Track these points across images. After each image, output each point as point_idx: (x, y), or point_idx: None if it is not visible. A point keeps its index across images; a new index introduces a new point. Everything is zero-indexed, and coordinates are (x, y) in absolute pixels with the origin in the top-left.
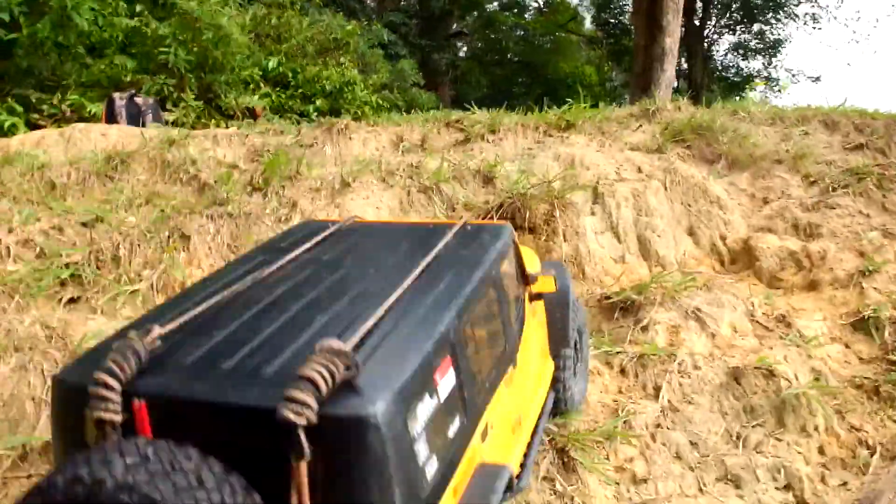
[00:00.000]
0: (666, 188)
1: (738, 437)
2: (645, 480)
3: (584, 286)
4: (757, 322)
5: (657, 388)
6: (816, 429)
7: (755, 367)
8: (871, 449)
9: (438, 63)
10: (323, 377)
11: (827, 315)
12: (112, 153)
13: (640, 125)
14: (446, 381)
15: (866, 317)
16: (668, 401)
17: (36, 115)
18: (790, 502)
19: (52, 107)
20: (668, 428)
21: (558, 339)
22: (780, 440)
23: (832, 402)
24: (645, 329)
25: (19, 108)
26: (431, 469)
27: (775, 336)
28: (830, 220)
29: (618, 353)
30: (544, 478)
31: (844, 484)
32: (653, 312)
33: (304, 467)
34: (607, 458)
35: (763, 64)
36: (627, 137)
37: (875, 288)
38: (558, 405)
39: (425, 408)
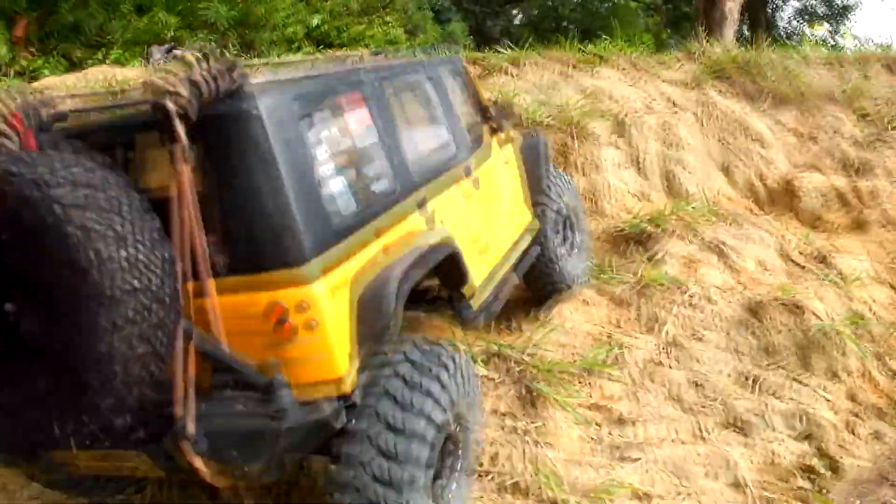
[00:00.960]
0: (700, 122)
1: (752, 380)
2: (631, 422)
3: (600, 224)
4: (790, 260)
5: (659, 322)
6: (849, 372)
7: (779, 302)
8: None
9: (492, 29)
10: (205, 79)
11: (874, 256)
12: None
13: (682, 65)
14: (358, 119)
15: None
16: (671, 335)
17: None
18: (808, 453)
19: (95, 62)
20: (667, 366)
21: (535, 189)
22: (802, 384)
23: (871, 346)
24: (656, 262)
25: (64, 64)
26: (343, 199)
27: (811, 275)
28: (886, 159)
29: (615, 280)
30: (503, 413)
31: (877, 435)
32: (667, 244)
33: (181, 152)
34: (590, 396)
35: (829, 31)
36: (665, 74)
37: None
38: (549, 277)
39: (327, 127)
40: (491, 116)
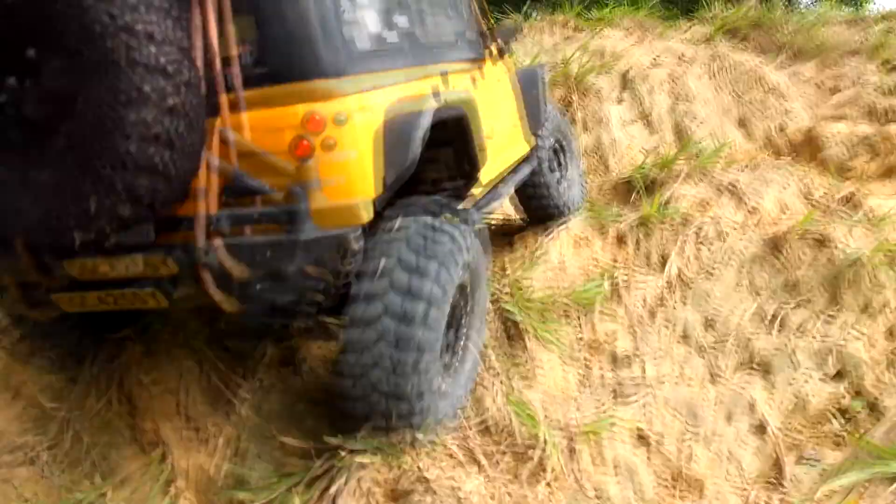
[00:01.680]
0: (712, 74)
1: (772, 318)
2: (628, 360)
3: (606, 180)
4: (814, 202)
5: (664, 259)
6: (886, 306)
7: (802, 235)
8: None
9: None
10: None
11: None
12: None
13: (692, 25)
14: None
15: None
16: (679, 273)
17: None
18: (840, 394)
19: None
20: (673, 305)
21: (533, 115)
22: (832, 320)
23: None
24: (664, 205)
25: None
26: (381, 31)
27: (837, 216)
28: None
29: (613, 219)
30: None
31: None
32: (675, 188)
33: None
34: (580, 333)
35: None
36: (673, 34)
37: None
38: (544, 202)
39: None
40: (493, 37)
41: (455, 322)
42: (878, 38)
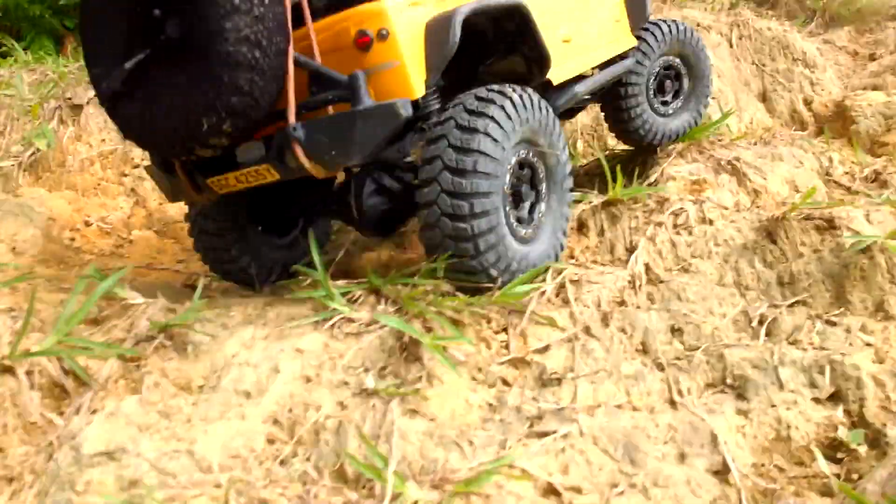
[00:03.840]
0: (730, 43)
1: (758, 322)
2: (557, 380)
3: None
4: (833, 181)
5: (633, 250)
6: None
7: (804, 217)
8: None
9: None
10: None
11: None
12: None
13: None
14: None
15: None
16: (647, 267)
17: None
18: (835, 421)
19: None
20: (635, 305)
21: (635, 9)
22: (833, 325)
23: None
24: (650, 185)
25: None
26: None
27: (861, 197)
28: None
29: (576, 202)
30: (366, 369)
31: None
32: (666, 165)
33: None
34: (504, 346)
35: None
36: (693, 3)
37: None
38: (624, 122)
39: None
40: None
41: (527, 182)
42: None
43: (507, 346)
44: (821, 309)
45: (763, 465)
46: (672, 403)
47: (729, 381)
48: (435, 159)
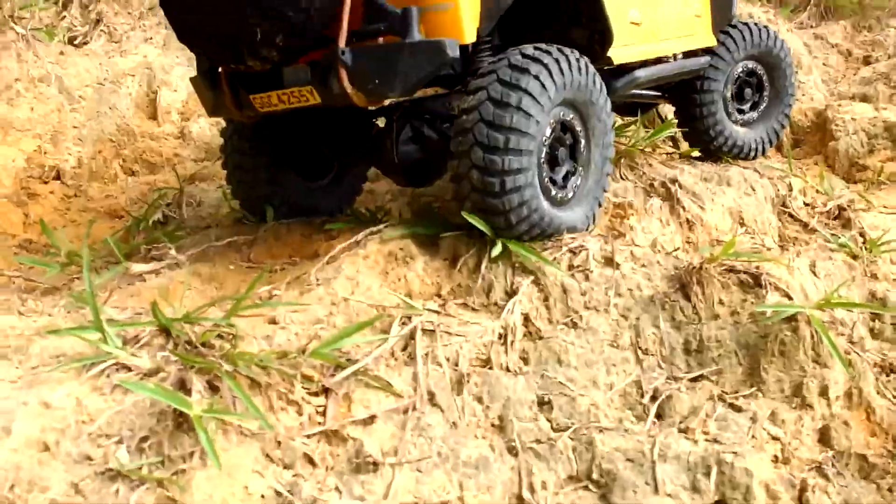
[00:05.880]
0: None
1: (651, 399)
2: (373, 467)
3: None
4: (788, 214)
5: (514, 294)
6: (825, 392)
7: (726, 269)
8: None
9: None
10: None
11: None
12: None
13: None
14: None
15: None
16: (525, 318)
17: None
18: None
19: None
20: (500, 367)
21: (720, 15)
22: (738, 409)
23: (876, 350)
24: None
25: None
26: None
27: (815, 237)
28: None
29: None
30: (138, 448)
31: None
32: None
33: None
34: (318, 415)
35: None
36: None
37: None
38: (693, 123)
39: None
40: None
41: (566, 145)
42: None
43: (323, 413)
44: (728, 387)
45: None
46: (520, 501)
47: (595, 475)
48: (472, 110)
